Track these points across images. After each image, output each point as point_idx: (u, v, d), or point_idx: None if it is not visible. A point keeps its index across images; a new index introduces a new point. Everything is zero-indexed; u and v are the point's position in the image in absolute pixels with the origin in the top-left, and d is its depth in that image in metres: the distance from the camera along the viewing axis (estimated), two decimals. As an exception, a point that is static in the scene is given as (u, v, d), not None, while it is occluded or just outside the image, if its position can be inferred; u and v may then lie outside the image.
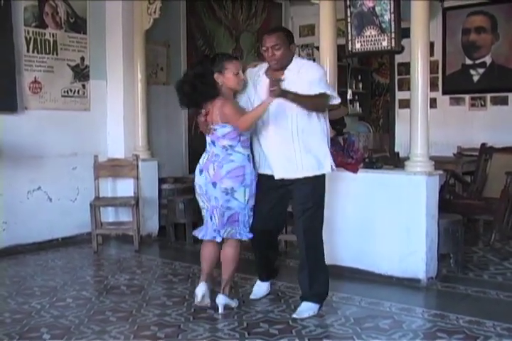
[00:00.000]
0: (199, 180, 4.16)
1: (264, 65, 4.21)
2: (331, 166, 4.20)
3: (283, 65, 4.07)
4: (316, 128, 4.12)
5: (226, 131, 4.03)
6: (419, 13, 4.87)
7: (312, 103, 4.02)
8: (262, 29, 9.17)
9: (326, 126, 4.20)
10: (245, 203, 4.10)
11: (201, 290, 4.21)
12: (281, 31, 4.17)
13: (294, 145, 4.07)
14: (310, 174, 4.11)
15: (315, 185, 4.17)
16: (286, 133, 4.06)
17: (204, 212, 4.24)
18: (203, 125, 4.15)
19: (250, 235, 4.17)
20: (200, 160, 4.19)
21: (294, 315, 4.12)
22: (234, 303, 4.30)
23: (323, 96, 4.05)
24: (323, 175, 4.22)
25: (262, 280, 4.63)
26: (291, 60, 4.11)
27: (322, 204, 4.26)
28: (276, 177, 4.13)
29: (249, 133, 4.12)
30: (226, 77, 4.07)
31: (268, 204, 4.22)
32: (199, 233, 4.29)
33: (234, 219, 4.12)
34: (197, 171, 4.19)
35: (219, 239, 4.17)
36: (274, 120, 4.06)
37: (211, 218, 4.17)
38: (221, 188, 4.04)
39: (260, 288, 4.60)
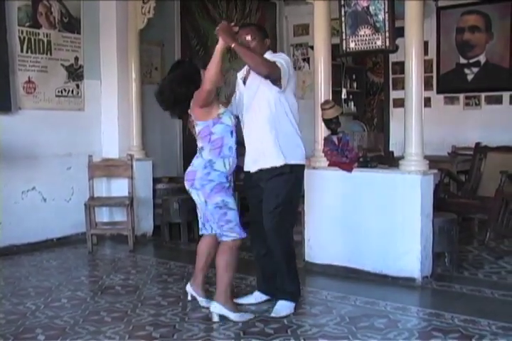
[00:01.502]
0: (186, 184, 4.20)
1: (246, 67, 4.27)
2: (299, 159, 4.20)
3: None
4: (284, 121, 4.13)
5: (199, 129, 4.07)
6: (413, 12, 4.87)
7: (253, 57, 3.96)
8: (256, 28, 9.18)
9: (293, 119, 4.19)
10: (204, 203, 4.12)
11: (188, 289, 4.43)
12: (254, 26, 4.38)
13: (263, 137, 4.11)
14: (272, 164, 4.11)
15: (284, 180, 4.13)
16: (255, 125, 4.15)
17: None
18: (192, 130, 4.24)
19: (243, 234, 4.12)
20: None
21: (273, 314, 4.12)
22: (233, 315, 4.03)
23: (273, 63, 4.00)
24: (295, 170, 4.18)
25: (260, 290, 4.48)
26: (264, 53, 4.13)
27: (291, 202, 4.23)
28: (245, 169, 4.27)
29: (221, 133, 4.02)
30: None
31: (255, 199, 4.28)
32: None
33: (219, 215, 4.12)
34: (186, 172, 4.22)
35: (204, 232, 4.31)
36: (246, 114, 4.19)
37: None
38: (212, 205, 4.06)
39: (249, 298, 4.45)
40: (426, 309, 4.31)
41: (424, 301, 4.66)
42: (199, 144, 4.13)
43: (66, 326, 3.99)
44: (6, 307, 4.41)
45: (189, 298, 4.44)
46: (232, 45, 3.92)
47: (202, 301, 4.33)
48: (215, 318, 4.04)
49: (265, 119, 4.10)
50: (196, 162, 4.12)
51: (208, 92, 3.89)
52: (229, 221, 4.05)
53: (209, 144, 4.04)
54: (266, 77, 3.98)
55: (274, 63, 3.97)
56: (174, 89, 4.04)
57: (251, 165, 4.23)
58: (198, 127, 4.08)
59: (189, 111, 4.11)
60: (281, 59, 4.07)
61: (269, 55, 4.12)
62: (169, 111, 4.25)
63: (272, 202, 4.12)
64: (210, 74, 3.87)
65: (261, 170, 4.16)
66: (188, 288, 4.45)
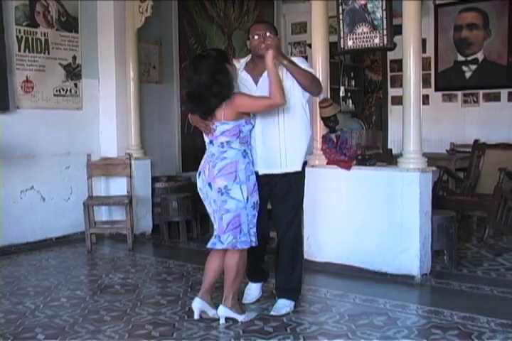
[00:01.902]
0: (199, 183, 3.97)
1: (242, 61, 4.16)
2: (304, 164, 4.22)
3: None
4: (301, 125, 4.11)
5: (225, 129, 3.83)
6: (411, 9, 4.88)
7: (306, 75, 3.95)
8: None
9: (309, 123, 4.19)
10: (245, 201, 3.83)
11: (196, 306, 4.00)
12: (267, 22, 4.36)
13: (280, 142, 4.05)
14: (291, 170, 4.11)
15: (302, 184, 4.20)
16: (272, 129, 4.04)
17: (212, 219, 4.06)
18: (203, 125, 3.90)
19: (252, 243, 3.91)
20: (201, 162, 4.01)
21: (273, 312, 4.11)
22: (240, 317, 3.97)
23: (317, 78, 4.06)
24: (303, 174, 4.22)
25: (254, 281, 4.51)
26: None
27: (301, 205, 4.31)
28: (260, 172, 4.07)
29: (247, 132, 3.92)
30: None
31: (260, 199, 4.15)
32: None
33: (235, 225, 3.84)
34: (197, 174, 4.00)
35: (219, 246, 3.88)
36: (261, 116, 4.01)
37: (214, 224, 3.99)
38: (216, 189, 3.83)
39: (252, 292, 4.45)
40: (425, 306, 4.31)
41: (423, 298, 4.67)
42: (221, 139, 3.84)
43: (65, 325, 3.99)
44: (5, 307, 4.40)
45: (197, 316, 4.02)
46: (285, 63, 3.87)
47: (215, 314, 4.02)
48: (222, 321, 3.94)
49: (301, 123, 4.10)
50: (230, 154, 3.84)
51: (274, 106, 3.84)
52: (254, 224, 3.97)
53: (237, 139, 3.85)
54: (318, 93, 4.11)
55: (317, 78, 4.07)
56: (220, 81, 3.77)
57: (267, 168, 4.08)
58: (224, 126, 3.81)
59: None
60: (308, 66, 4.09)
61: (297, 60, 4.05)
62: (204, 107, 3.84)
63: (292, 204, 4.15)
64: (281, 91, 3.77)
65: (279, 174, 4.09)
66: (199, 304, 4.02)
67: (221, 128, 3.83)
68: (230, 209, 3.83)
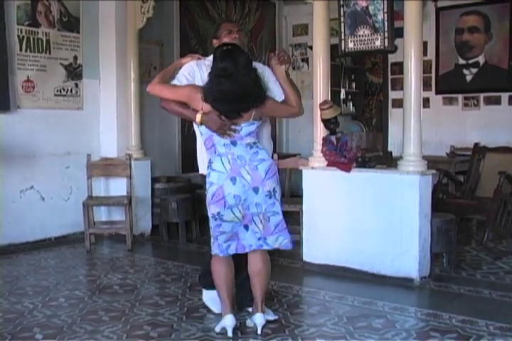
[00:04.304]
0: (235, 190, 3.61)
1: (210, 58, 3.92)
2: None
3: None
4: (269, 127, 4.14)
5: (252, 129, 3.69)
6: (412, 12, 4.88)
7: (297, 94, 3.99)
8: (255, 28, 9.21)
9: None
10: (281, 203, 3.79)
11: (232, 324, 3.76)
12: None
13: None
14: None
15: None
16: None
17: (227, 227, 3.69)
18: (225, 126, 3.63)
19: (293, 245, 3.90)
20: (219, 167, 3.65)
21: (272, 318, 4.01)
22: (275, 316, 3.98)
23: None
24: None
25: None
26: None
27: None
28: None
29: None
30: None
31: None
32: (220, 249, 3.73)
33: (282, 226, 3.75)
34: (225, 181, 3.62)
35: (266, 247, 3.75)
36: None
37: (246, 228, 3.72)
38: (264, 192, 3.65)
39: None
40: (424, 309, 4.31)
41: (422, 301, 4.67)
42: (248, 141, 3.68)
43: (64, 325, 3.98)
44: (3, 306, 4.40)
45: (230, 333, 3.75)
46: (289, 77, 3.94)
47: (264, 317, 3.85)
48: (260, 331, 3.77)
49: (268, 125, 4.16)
50: (264, 155, 3.71)
51: (295, 115, 3.98)
52: None
53: (256, 138, 3.77)
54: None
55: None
56: (259, 81, 3.71)
57: None
58: (251, 127, 3.67)
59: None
60: None
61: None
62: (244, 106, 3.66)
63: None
64: (297, 98, 3.86)
65: None
66: (232, 320, 3.77)
67: (248, 129, 3.67)
68: (278, 211, 3.74)
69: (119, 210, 6.57)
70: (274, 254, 5.55)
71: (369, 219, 5.06)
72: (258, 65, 3.96)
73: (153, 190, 7.04)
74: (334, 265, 5.24)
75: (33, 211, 6.35)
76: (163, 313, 4.20)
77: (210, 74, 3.69)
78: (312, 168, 5.40)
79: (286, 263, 5.59)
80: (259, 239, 3.73)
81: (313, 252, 5.41)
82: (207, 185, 3.72)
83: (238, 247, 3.76)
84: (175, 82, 3.88)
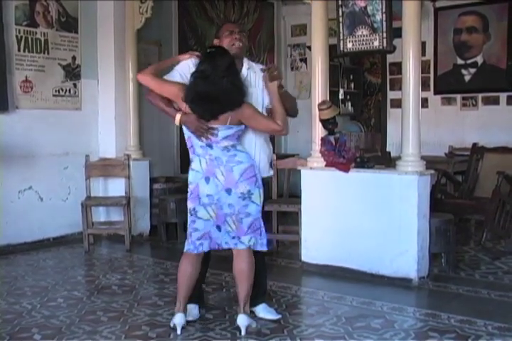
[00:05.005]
0: (208, 190, 3.72)
1: None
2: None
3: (242, 53, 4.00)
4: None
5: (229, 133, 3.70)
6: (410, 13, 4.88)
7: (294, 104, 4.05)
8: (254, 29, 9.20)
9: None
10: (260, 205, 3.79)
11: (181, 322, 3.81)
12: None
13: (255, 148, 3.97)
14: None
15: None
16: (248, 134, 3.94)
17: (200, 224, 3.80)
18: (202, 128, 3.68)
19: (268, 246, 3.89)
20: (196, 167, 3.78)
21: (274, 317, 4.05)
22: (255, 323, 3.89)
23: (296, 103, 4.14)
24: None
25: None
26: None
27: None
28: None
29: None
30: None
31: None
32: (193, 246, 3.84)
33: (255, 227, 3.78)
34: (200, 180, 3.74)
35: (242, 247, 3.77)
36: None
37: (219, 228, 3.78)
38: (237, 194, 3.69)
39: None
40: (422, 309, 4.31)
41: (421, 301, 4.67)
42: (224, 144, 3.70)
43: (62, 325, 3.98)
44: (2, 307, 4.39)
45: (179, 332, 3.80)
46: (281, 91, 3.89)
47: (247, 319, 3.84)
48: (244, 332, 3.76)
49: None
50: (242, 157, 3.73)
51: (278, 133, 4.08)
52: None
53: (238, 141, 3.77)
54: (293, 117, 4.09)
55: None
56: (239, 86, 3.72)
57: (268, 170, 4.06)
58: (228, 131, 3.68)
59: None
60: None
61: (246, 60, 4.04)
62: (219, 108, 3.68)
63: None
64: (284, 117, 3.80)
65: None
66: (182, 318, 3.83)
67: (224, 132, 3.69)
68: (251, 212, 3.76)
69: (118, 210, 6.57)
70: (272, 254, 5.59)
71: (368, 220, 5.06)
72: (253, 67, 3.99)
73: (151, 190, 7.04)
74: (333, 265, 5.24)
75: (31, 211, 6.35)
76: (162, 313, 4.20)
77: (191, 75, 3.74)
78: (311, 168, 5.40)
79: (285, 263, 5.59)
80: (233, 237, 3.80)
81: (311, 252, 5.41)
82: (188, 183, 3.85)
83: (211, 245, 3.85)
84: (167, 76, 3.89)
